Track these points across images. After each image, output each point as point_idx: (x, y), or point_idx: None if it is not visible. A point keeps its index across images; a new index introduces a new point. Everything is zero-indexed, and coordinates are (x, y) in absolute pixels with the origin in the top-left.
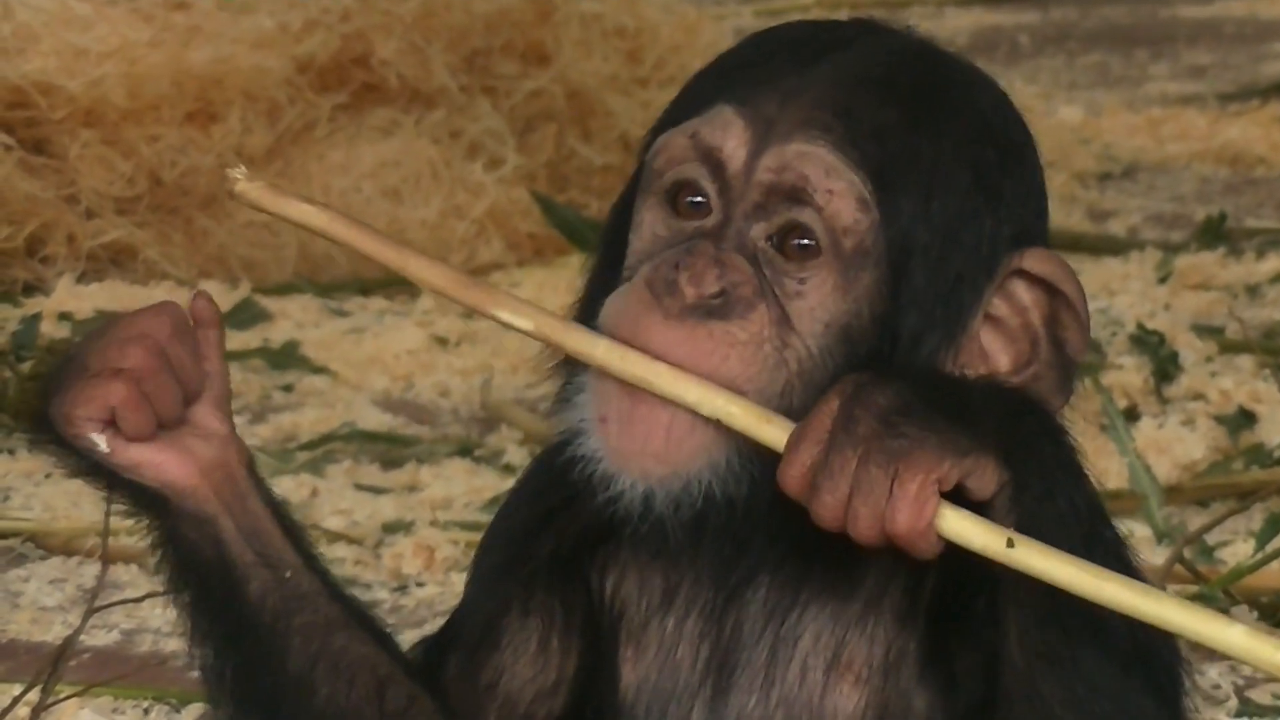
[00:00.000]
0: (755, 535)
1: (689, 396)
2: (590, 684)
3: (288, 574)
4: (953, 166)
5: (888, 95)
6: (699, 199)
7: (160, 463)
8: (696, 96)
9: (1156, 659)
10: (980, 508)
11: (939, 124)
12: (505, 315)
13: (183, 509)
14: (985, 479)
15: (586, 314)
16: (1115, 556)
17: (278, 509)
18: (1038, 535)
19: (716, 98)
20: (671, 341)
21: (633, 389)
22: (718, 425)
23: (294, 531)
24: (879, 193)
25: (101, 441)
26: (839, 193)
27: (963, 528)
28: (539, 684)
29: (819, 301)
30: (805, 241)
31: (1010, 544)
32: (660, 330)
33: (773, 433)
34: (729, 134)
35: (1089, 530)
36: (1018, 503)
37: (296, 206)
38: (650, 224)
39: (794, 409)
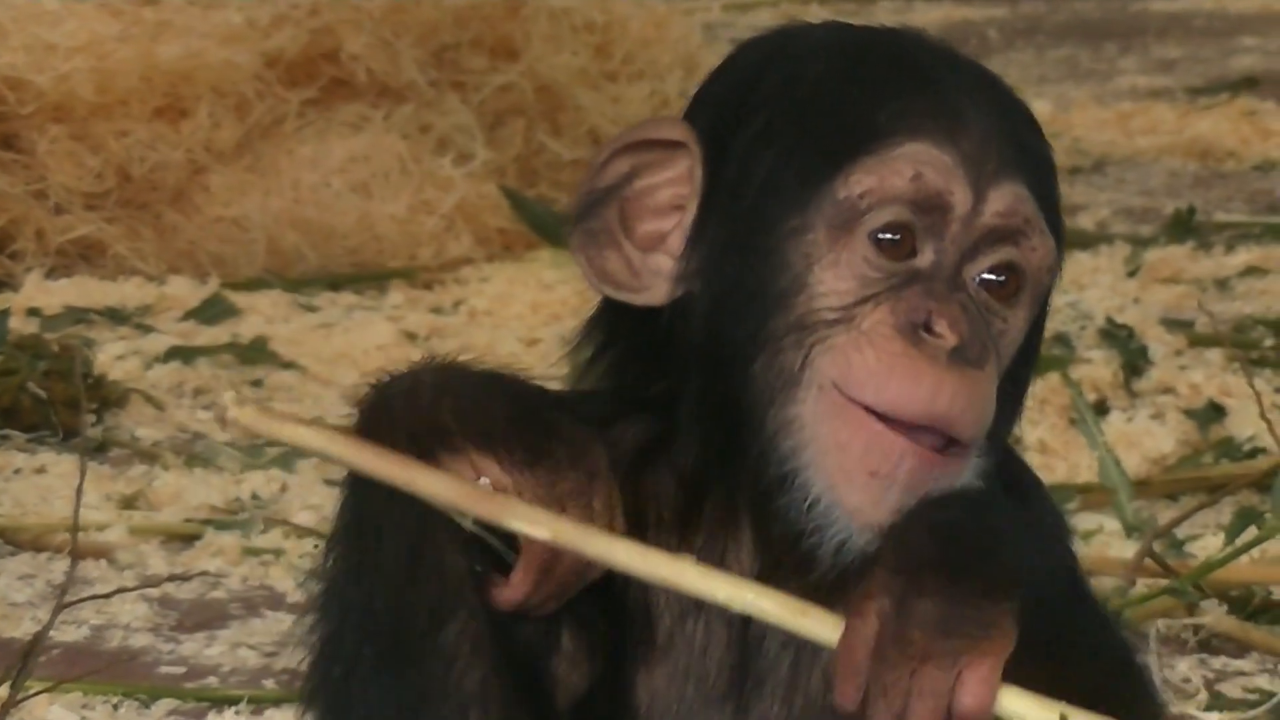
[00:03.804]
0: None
1: (719, 595)
2: (600, 692)
3: None
4: (1057, 199)
5: (1032, 129)
6: (898, 236)
7: None
8: (863, 126)
9: None
10: None
11: (1050, 155)
12: (521, 525)
13: None
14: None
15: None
16: (1096, 630)
17: None
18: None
19: (899, 131)
20: (956, 391)
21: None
22: (751, 619)
23: None
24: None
25: None
26: (1045, 232)
27: (1019, 705)
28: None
29: (1014, 338)
30: (1006, 279)
31: (1063, 719)
32: (948, 381)
33: (810, 625)
34: (953, 178)
35: (1071, 613)
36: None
37: (292, 429)
38: (851, 263)
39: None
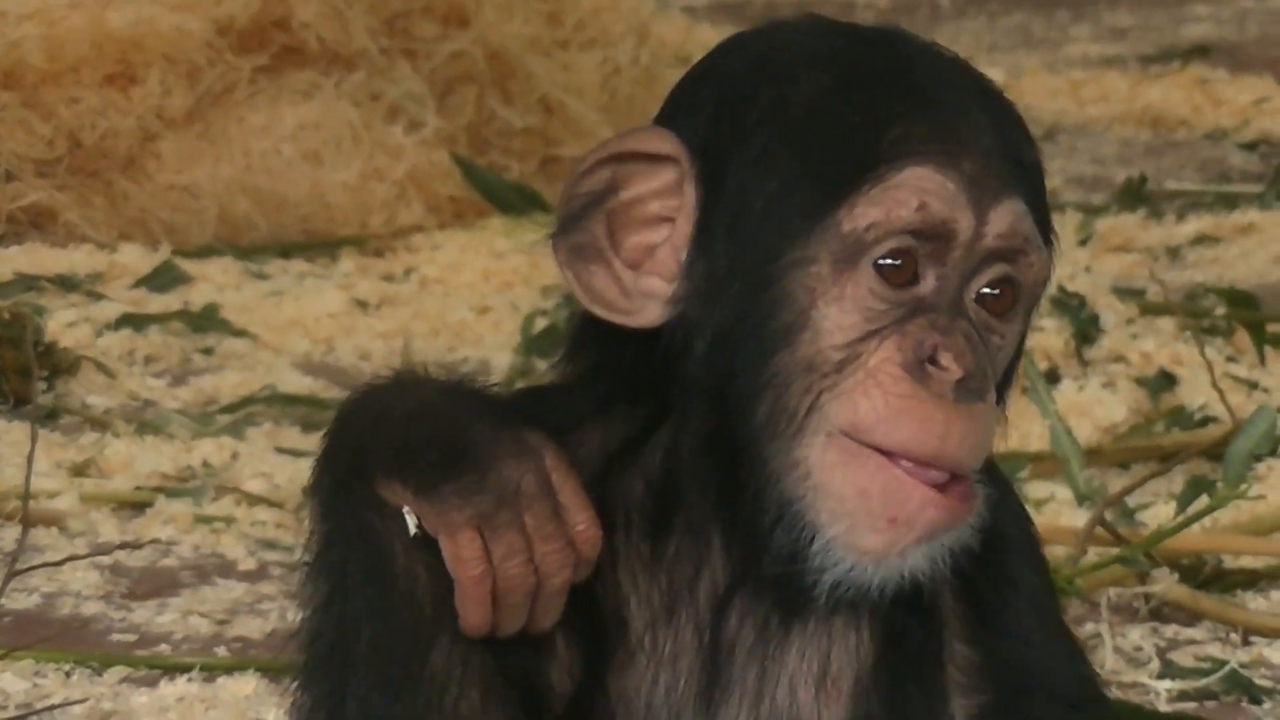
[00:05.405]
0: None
1: None
2: (583, 696)
3: None
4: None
5: (1024, 136)
6: (899, 261)
7: None
8: (864, 152)
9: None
10: None
11: (1040, 161)
12: None
13: None
14: None
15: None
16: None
17: None
18: None
19: (900, 155)
20: (965, 433)
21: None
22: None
23: None
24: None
25: None
26: (1041, 246)
27: None
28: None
29: (1008, 352)
30: (1001, 292)
31: None
32: (956, 422)
33: None
34: (957, 205)
35: None
36: None
37: None
38: (856, 295)
39: None
